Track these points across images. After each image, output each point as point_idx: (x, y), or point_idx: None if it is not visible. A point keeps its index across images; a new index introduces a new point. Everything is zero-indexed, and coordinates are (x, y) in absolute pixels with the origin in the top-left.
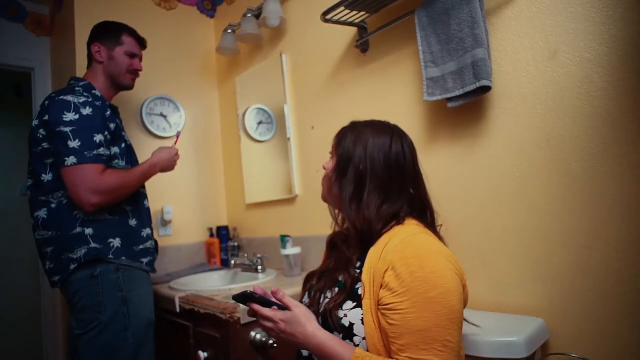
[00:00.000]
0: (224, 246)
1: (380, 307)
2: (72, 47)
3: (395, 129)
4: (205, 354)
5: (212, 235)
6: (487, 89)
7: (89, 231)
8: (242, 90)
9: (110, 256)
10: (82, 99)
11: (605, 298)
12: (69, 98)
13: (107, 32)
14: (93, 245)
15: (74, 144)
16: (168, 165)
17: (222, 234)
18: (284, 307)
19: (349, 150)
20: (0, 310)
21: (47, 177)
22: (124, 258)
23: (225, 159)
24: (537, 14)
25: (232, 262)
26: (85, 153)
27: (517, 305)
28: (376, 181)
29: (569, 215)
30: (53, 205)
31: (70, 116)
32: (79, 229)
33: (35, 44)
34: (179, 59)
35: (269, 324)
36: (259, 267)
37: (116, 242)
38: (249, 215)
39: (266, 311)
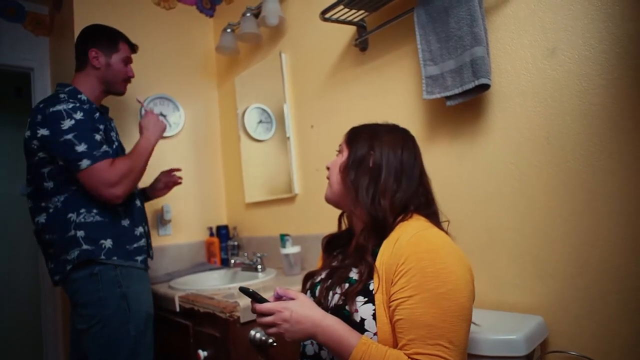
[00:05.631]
0: (224, 245)
1: (390, 302)
2: (71, 47)
3: (404, 130)
4: (205, 353)
5: (211, 235)
6: (485, 87)
7: (80, 234)
8: (241, 89)
9: (102, 257)
10: (70, 105)
11: (604, 295)
12: (58, 107)
13: (105, 38)
14: (85, 247)
15: (81, 147)
16: (158, 129)
17: (222, 233)
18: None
19: (364, 145)
20: (1, 308)
21: (48, 184)
22: (115, 258)
23: (225, 158)
24: (536, 11)
25: (232, 261)
26: (94, 152)
27: (516, 302)
28: (390, 172)
29: (567, 212)
30: (51, 210)
31: (67, 123)
32: (72, 232)
33: (35, 44)
34: (178, 58)
35: (268, 319)
36: (259, 266)
37: (107, 243)
38: (248, 215)
39: (266, 305)
